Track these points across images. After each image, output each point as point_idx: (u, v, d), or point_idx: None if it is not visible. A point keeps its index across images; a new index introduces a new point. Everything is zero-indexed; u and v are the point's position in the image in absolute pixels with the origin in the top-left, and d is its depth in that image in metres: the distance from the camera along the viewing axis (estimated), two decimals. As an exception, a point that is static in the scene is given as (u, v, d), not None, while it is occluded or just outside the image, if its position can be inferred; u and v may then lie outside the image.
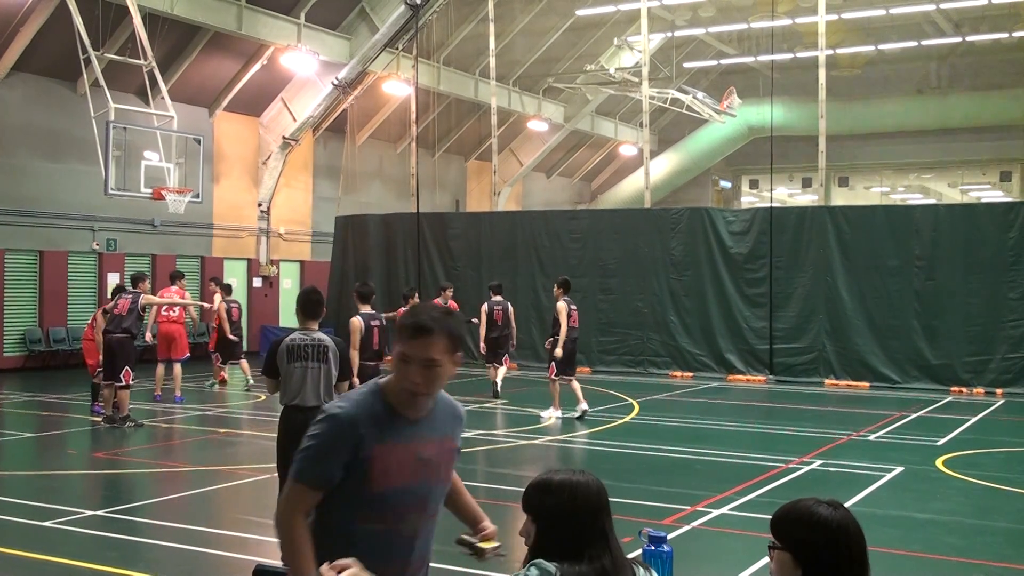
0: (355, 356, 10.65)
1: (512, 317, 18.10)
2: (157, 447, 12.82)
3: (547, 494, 2.87)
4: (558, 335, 15.01)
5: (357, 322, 10.81)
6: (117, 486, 10.74)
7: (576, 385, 15.33)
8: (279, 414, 7.58)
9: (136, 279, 14.92)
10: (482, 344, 17.80)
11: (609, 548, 2.84)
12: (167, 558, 7.69)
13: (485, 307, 17.91)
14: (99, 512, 8.98)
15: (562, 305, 15.10)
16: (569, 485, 2.87)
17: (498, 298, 17.96)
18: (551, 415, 15.19)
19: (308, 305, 7.54)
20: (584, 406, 15.17)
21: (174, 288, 17.01)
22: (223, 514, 9.60)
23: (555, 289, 15.44)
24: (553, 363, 15.15)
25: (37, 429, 14.52)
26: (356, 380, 7.48)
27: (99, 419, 14.21)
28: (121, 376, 13.81)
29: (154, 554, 7.81)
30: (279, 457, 7.41)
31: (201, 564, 7.61)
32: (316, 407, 7.19)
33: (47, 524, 8.46)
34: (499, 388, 17.52)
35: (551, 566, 2.76)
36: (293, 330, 7.57)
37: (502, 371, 17.83)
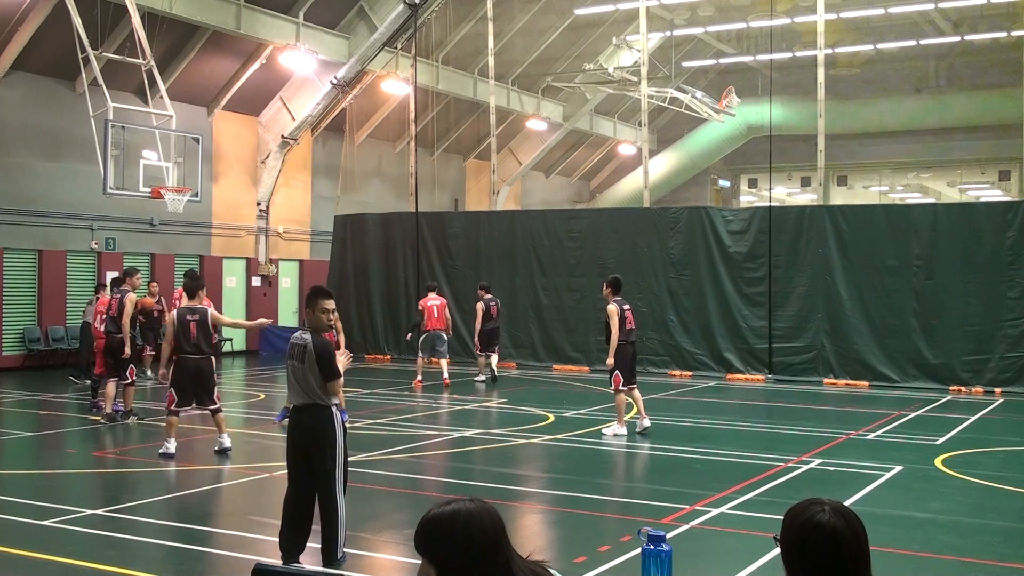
0: (167, 349, 11.63)
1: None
2: (156, 446, 12.81)
3: (439, 534, 2.61)
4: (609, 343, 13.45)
5: (171, 316, 11.62)
6: (116, 485, 10.74)
7: (637, 395, 13.73)
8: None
9: (126, 274, 15.07)
10: (477, 338, 19.72)
11: (513, 574, 2.62)
12: (166, 557, 7.69)
13: (481, 304, 19.60)
14: (98, 511, 8.98)
15: (613, 308, 13.36)
16: (462, 519, 2.60)
17: (489, 295, 19.88)
18: (615, 431, 13.33)
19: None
20: (646, 423, 13.51)
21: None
22: (222, 513, 9.60)
23: (604, 289, 13.70)
24: (616, 372, 13.36)
25: (36, 428, 14.52)
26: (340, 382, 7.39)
27: (98, 418, 14.31)
28: (127, 373, 14.23)
29: (153, 553, 7.82)
30: (287, 454, 7.40)
31: (200, 563, 7.62)
32: (306, 406, 7.20)
33: (46, 523, 8.46)
34: (496, 373, 19.54)
35: None
36: (296, 329, 7.58)
37: (495, 358, 19.84)
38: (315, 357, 7.16)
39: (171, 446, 11.56)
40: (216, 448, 11.80)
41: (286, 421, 7.72)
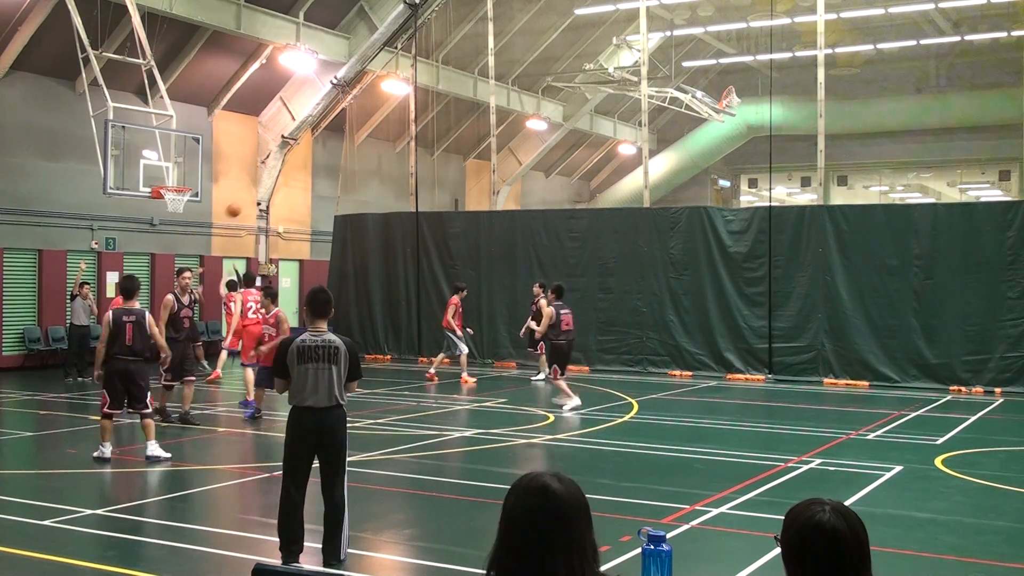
0: (100, 350, 11.38)
1: None
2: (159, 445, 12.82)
3: (511, 492, 2.54)
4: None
5: (106, 318, 11.42)
6: (117, 485, 10.74)
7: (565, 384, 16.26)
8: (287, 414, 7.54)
9: (177, 273, 15.33)
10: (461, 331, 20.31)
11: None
12: (167, 557, 7.69)
13: (458, 301, 20.22)
14: (98, 511, 8.98)
15: (550, 310, 16.18)
16: (538, 487, 2.52)
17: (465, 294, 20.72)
18: (570, 406, 15.79)
19: (316, 304, 7.43)
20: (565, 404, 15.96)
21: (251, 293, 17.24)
22: (223, 513, 9.61)
23: (548, 294, 16.63)
24: (555, 366, 16.33)
25: (36, 428, 14.53)
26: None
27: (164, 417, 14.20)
28: (158, 375, 13.84)
29: (153, 553, 7.82)
30: (286, 456, 7.38)
31: (201, 563, 7.62)
32: (327, 408, 7.19)
33: (46, 523, 8.46)
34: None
35: None
36: (303, 330, 7.51)
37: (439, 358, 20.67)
38: (350, 359, 7.26)
39: (106, 450, 11.31)
40: (146, 456, 11.34)
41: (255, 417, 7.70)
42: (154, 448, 11.38)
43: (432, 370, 20.37)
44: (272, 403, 14.97)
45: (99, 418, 11.56)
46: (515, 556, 2.52)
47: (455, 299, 20.11)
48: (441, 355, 20.58)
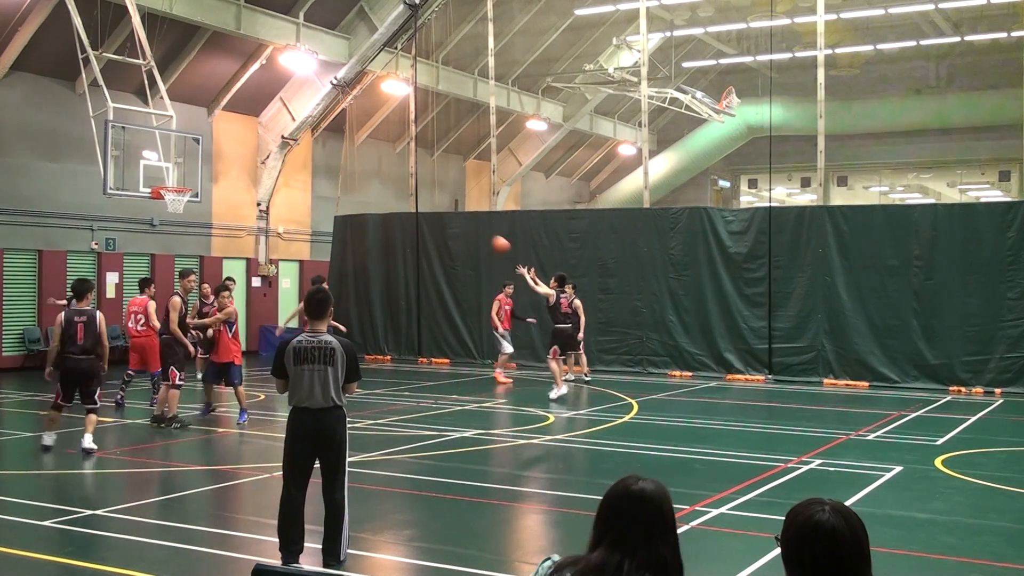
0: (54, 347, 11.97)
1: None
2: (156, 447, 12.82)
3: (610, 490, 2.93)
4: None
5: (59, 318, 11.94)
6: (116, 486, 10.74)
7: (560, 366, 17.67)
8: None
9: (181, 275, 15.06)
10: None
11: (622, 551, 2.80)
12: (166, 558, 7.69)
13: (503, 298, 20.15)
14: (98, 511, 8.97)
15: (551, 292, 17.74)
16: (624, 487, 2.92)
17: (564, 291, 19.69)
18: (556, 394, 16.78)
19: (312, 305, 7.43)
20: (563, 390, 17.13)
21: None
22: (222, 514, 9.60)
23: (551, 282, 17.61)
24: (555, 346, 17.85)
25: (36, 428, 14.51)
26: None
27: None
28: (169, 376, 13.94)
29: (153, 554, 7.81)
30: (285, 457, 7.39)
31: (200, 564, 7.61)
32: (324, 408, 7.18)
33: (46, 523, 8.46)
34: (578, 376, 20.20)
35: (552, 560, 2.82)
36: (301, 330, 7.52)
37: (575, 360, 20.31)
38: (348, 360, 7.23)
39: (48, 439, 11.99)
40: (81, 448, 11.82)
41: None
42: (88, 441, 11.84)
43: (500, 373, 20.00)
44: (273, 404, 14.97)
45: (49, 410, 12.27)
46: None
47: (500, 296, 20.13)
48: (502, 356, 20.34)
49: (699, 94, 34.47)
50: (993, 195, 40.70)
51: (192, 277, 15.07)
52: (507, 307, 20.12)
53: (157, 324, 14.91)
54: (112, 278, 23.10)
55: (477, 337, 23.74)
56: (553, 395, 16.76)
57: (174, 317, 14.16)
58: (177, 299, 14.46)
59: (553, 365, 17.36)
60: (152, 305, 15.33)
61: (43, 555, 7.56)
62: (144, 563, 7.48)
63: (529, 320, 20.67)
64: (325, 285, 11.12)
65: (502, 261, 23.45)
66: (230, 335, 14.41)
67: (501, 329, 19.96)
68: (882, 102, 36.42)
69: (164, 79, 20.62)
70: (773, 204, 22.35)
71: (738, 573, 7.10)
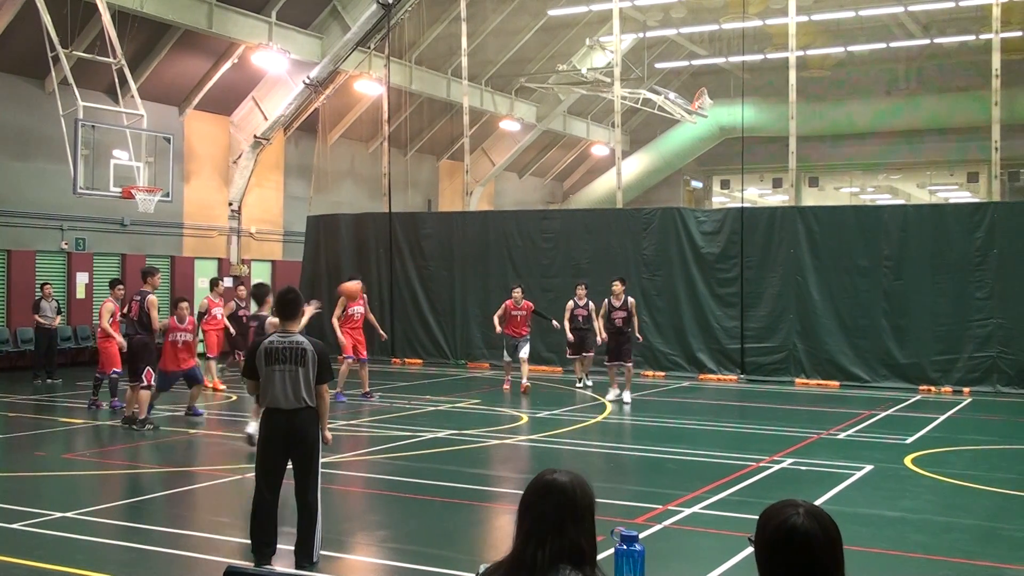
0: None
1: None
2: (127, 448, 12.72)
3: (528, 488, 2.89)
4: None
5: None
6: (86, 488, 10.65)
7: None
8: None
9: (146, 274, 14.68)
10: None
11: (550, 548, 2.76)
12: (136, 561, 7.63)
13: (510, 303, 18.81)
14: (68, 514, 8.89)
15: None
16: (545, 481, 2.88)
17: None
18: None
19: (283, 305, 7.43)
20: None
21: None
22: (194, 516, 9.54)
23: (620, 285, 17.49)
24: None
25: (5, 431, 14.37)
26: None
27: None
28: (143, 376, 13.80)
29: (123, 557, 7.76)
30: (258, 458, 7.38)
31: (172, 566, 7.56)
32: (295, 409, 7.16)
33: (15, 526, 8.38)
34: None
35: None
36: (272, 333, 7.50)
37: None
38: (319, 360, 7.20)
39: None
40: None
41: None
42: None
43: (524, 381, 18.12)
44: (245, 404, 14.89)
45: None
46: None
47: (508, 302, 18.81)
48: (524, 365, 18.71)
49: (672, 95, 34.58)
50: (962, 196, 41.11)
51: (158, 276, 14.99)
52: (514, 312, 18.63)
53: (106, 325, 15.05)
54: (82, 278, 22.90)
55: (450, 337, 23.70)
56: (610, 397, 17.05)
57: (155, 315, 14.17)
58: (154, 298, 14.39)
59: (611, 370, 17.24)
60: (108, 306, 15.27)
61: (12, 558, 7.48)
62: (115, 566, 7.42)
63: (555, 323, 19.07)
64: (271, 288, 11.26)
65: (475, 262, 23.46)
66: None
67: (499, 330, 18.86)
68: (853, 103, 36.65)
69: (135, 78, 20.47)
70: (745, 205, 22.47)
71: (710, 572, 7.14)
